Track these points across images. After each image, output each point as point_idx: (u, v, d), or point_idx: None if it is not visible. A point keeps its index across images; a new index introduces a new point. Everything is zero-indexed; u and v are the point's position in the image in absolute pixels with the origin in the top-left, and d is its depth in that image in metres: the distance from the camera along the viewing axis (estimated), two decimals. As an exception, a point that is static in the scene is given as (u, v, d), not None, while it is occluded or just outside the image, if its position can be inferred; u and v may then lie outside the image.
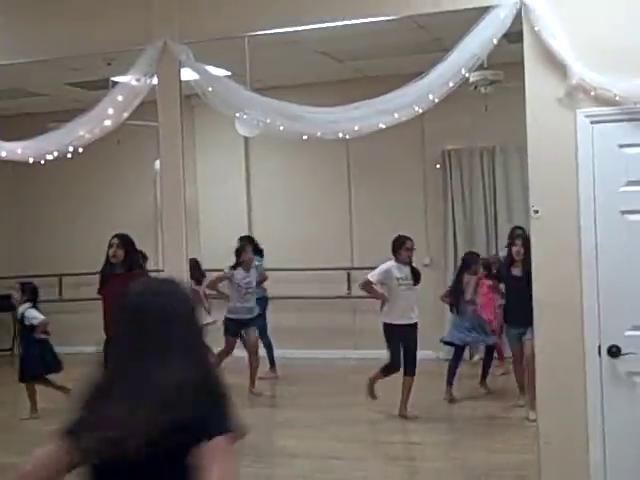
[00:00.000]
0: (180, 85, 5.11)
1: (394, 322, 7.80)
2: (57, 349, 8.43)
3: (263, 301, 9.80)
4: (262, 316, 9.68)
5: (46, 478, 2.17)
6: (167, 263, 5.26)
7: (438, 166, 10.79)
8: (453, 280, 9.10)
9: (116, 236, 6.97)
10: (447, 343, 8.79)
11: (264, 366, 9.62)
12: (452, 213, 10.77)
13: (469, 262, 8.75)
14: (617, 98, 4.12)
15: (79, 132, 5.17)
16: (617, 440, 4.26)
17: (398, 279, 7.83)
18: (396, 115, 4.55)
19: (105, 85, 6.96)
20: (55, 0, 5.43)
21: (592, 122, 4.23)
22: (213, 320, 8.57)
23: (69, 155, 5.25)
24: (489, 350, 8.88)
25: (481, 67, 5.20)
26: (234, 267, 9.05)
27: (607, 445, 4.27)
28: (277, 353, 9.92)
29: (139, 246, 7.14)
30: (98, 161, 10.41)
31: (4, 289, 9.65)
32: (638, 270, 4.19)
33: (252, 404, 8.52)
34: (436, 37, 7.90)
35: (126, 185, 11.89)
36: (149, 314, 2.17)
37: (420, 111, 4.54)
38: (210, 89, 4.95)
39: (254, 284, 9.18)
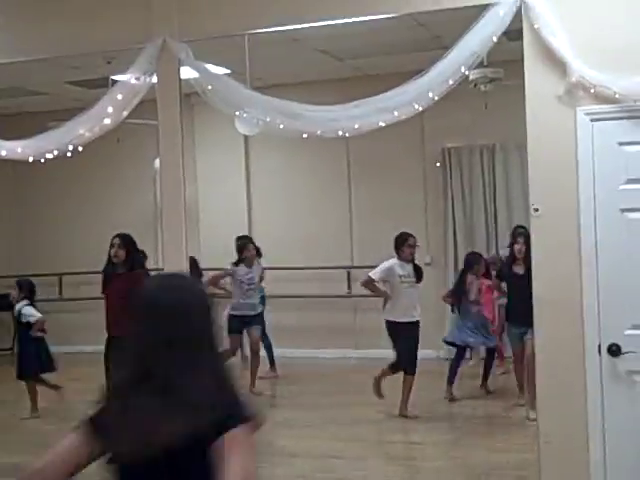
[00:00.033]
0: (180, 83, 5.10)
1: (397, 320, 7.78)
2: (57, 348, 8.41)
3: (261, 300, 9.77)
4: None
5: (67, 474, 2.14)
6: (167, 262, 5.24)
7: (438, 164, 10.77)
8: (455, 280, 9.05)
9: (117, 236, 6.97)
10: (449, 343, 8.77)
11: (264, 365, 9.61)
12: (452, 211, 10.76)
13: (471, 262, 8.66)
14: (617, 96, 4.12)
15: (79, 131, 5.17)
16: (617, 439, 4.25)
17: (400, 276, 7.80)
18: (396, 113, 4.54)
19: (105, 84, 6.94)
20: (55, -1, 5.43)
21: (592, 120, 4.22)
22: None
23: (69, 154, 5.25)
24: (490, 352, 8.78)
25: (481, 65, 5.20)
26: (236, 263, 9.05)
27: (607, 444, 4.26)
28: (277, 352, 9.90)
29: (139, 245, 7.13)
30: (98, 160, 10.39)
31: (4, 288, 9.63)
32: (638, 268, 4.18)
33: (252, 404, 8.50)
34: (436, 35, 7.89)
35: (126, 184, 11.89)
36: (168, 310, 2.12)
37: (420, 109, 4.54)
38: (210, 87, 4.94)
39: (256, 280, 9.17)
